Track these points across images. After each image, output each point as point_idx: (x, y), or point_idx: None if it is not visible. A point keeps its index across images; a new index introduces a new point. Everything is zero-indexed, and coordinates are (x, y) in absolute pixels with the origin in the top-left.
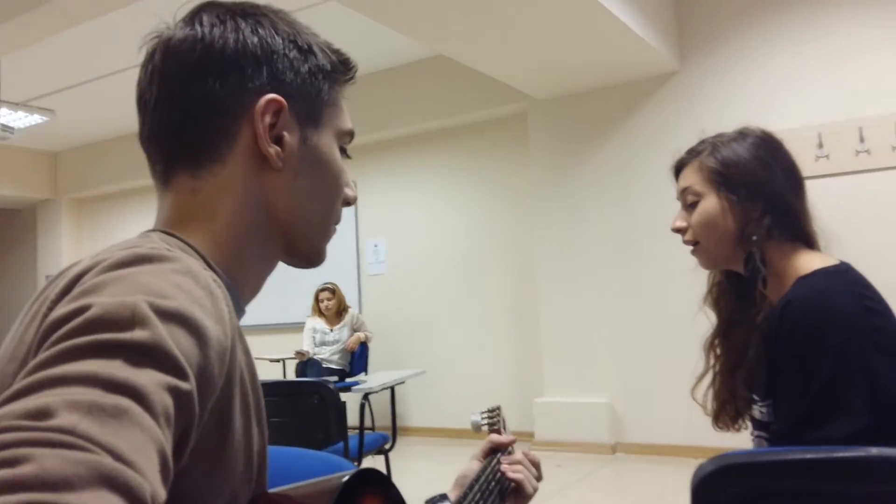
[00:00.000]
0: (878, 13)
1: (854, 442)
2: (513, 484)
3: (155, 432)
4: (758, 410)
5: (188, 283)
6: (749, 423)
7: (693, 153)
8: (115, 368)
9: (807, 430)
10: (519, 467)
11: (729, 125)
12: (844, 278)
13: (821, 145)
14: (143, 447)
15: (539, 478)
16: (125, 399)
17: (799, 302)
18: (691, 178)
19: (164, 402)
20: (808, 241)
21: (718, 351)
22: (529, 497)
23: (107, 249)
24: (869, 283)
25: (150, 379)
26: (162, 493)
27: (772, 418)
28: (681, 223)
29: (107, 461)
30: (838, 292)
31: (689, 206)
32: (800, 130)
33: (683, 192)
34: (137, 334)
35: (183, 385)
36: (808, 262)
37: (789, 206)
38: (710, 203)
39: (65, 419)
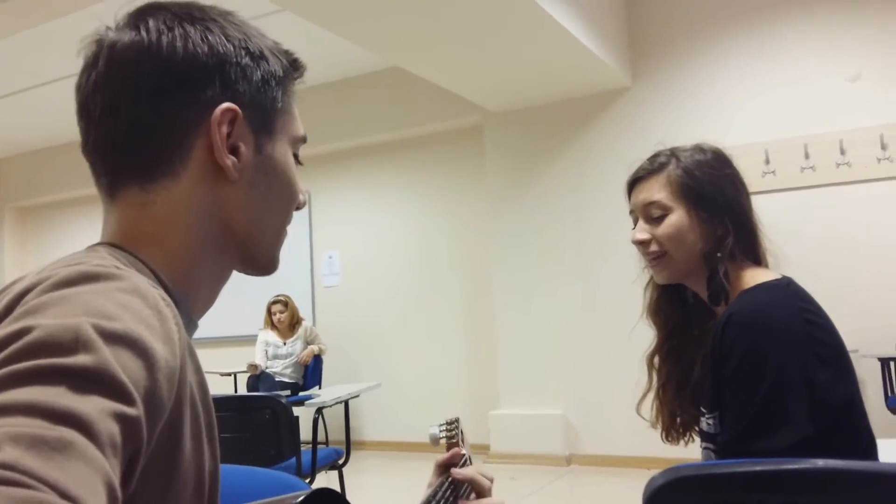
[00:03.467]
0: (823, 36)
1: (797, 452)
2: (468, 487)
3: (101, 463)
4: (704, 422)
5: (135, 302)
6: (697, 436)
7: (657, 165)
8: (58, 396)
9: (751, 441)
10: (467, 467)
11: (680, 141)
12: (785, 291)
13: (768, 161)
14: (88, 481)
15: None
16: (69, 430)
17: (740, 315)
18: (659, 191)
19: (110, 430)
20: (758, 258)
21: (661, 365)
22: (486, 489)
23: (51, 265)
24: (810, 297)
25: (94, 406)
26: None
27: (718, 430)
28: (645, 235)
29: (51, 499)
30: (779, 305)
31: (654, 220)
32: (748, 147)
33: (648, 206)
34: (81, 359)
35: (129, 411)
36: (751, 278)
37: (753, 226)
38: (679, 217)
39: (6, 454)
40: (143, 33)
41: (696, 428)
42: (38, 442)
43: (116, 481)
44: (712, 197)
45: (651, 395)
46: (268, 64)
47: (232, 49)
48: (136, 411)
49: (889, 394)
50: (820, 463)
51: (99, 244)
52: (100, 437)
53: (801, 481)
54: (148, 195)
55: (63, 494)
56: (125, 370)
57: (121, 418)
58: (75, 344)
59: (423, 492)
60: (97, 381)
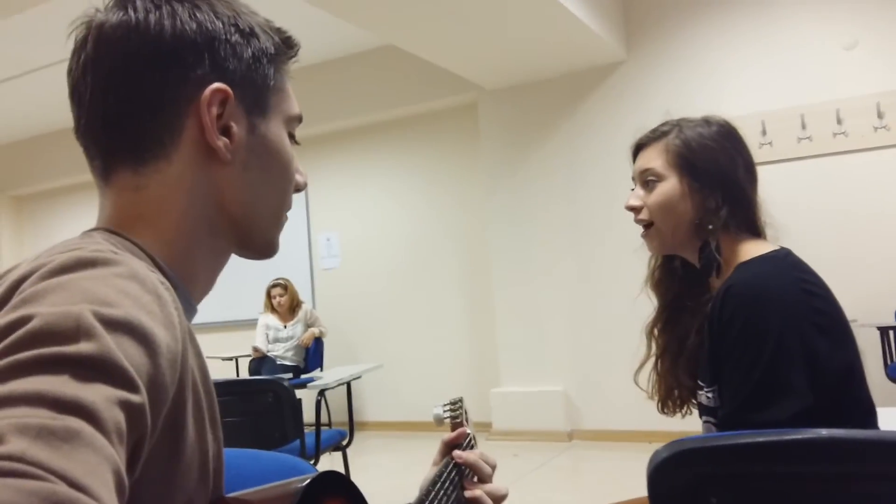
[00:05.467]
0: (819, 4)
1: (799, 422)
2: (468, 471)
3: (108, 452)
4: (704, 396)
5: (134, 288)
6: (695, 409)
7: (658, 134)
8: (63, 385)
9: (752, 413)
10: (470, 451)
11: (675, 113)
12: (783, 262)
13: (764, 132)
14: (96, 469)
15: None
16: (75, 419)
17: (738, 287)
18: (655, 159)
19: (116, 417)
20: (756, 231)
21: (659, 336)
22: (487, 476)
23: (47, 252)
24: (808, 267)
25: (99, 395)
26: None
27: (718, 404)
28: (636, 202)
29: (61, 489)
30: (777, 276)
31: (647, 186)
32: (744, 118)
33: (644, 172)
34: (83, 347)
35: (134, 398)
36: (750, 250)
37: (748, 199)
38: (670, 186)
39: (13, 445)
40: (131, 12)
41: (694, 401)
42: (45, 432)
43: (123, 469)
44: (705, 168)
45: (648, 366)
46: (258, 41)
47: (221, 26)
48: (140, 398)
49: (888, 362)
50: (823, 432)
51: (94, 229)
52: (106, 425)
53: (805, 451)
54: (141, 178)
55: (72, 484)
56: (127, 357)
57: (125, 406)
58: (77, 332)
59: (427, 470)
60: (100, 369)
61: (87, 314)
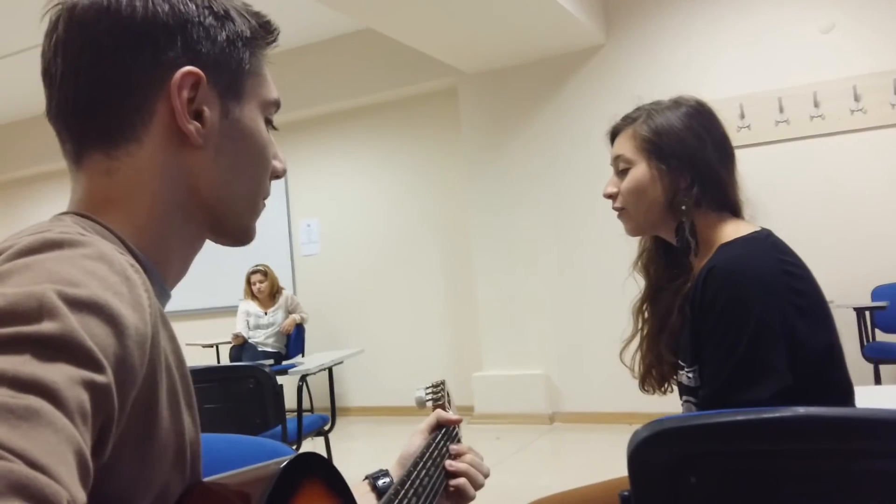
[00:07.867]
0: None
1: (779, 402)
2: (457, 433)
3: (70, 432)
4: (685, 376)
5: (102, 269)
6: (675, 387)
7: (628, 120)
8: (23, 364)
9: (733, 393)
10: (465, 459)
11: (655, 97)
12: (764, 244)
13: (742, 116)
14: (56, 449)
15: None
16: (35, 398)
17: (720, 268)
18: (624, 145)
19: (79, 398)
20: (734, 210)
21: (646, 315)
22: (479, 485)
23: (14, 235)
24: (789, 248)
25: (61, 374)
26: (80, 496)
27: (699, 384)
28: (612, 189)
29: (18, 468)
30: (758, 257)
31: (621, 173)
32: (723, 101)
33: (616, 160)
34: (46, 326)
35: (98, 378)
36: (730, 230)
37: (718, 176)
38: (640, 171)
39: None
40: None
41: (674, 378)
42: (4, 411)
43: (87, 450)
44: (672, 150)
45: (633, 346)
46: (233, 24)
47: (195, 9)
48: (105, 378)
49: (864, 343)
50: (801, 410)
51: (65, 213)
52: (68, 404)
53: (783, 429)
54: (112, 162)
55: (31, 463)
56: (92, 337)
57: (90, 386)
58: (39, 312)
59: (407, 442)
60: (63, 349)
61: (50, 294)
